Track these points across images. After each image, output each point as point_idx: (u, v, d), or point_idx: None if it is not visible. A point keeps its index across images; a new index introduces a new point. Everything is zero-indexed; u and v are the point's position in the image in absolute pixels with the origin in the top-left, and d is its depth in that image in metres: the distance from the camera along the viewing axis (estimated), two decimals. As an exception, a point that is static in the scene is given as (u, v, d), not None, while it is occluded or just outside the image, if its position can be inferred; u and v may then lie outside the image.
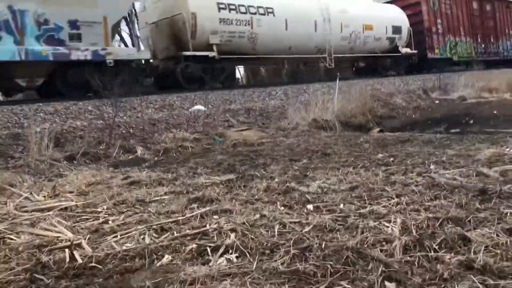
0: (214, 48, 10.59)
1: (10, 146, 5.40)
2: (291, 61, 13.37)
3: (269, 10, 11.96)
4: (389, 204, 2.27)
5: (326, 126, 7.49)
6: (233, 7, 11.15)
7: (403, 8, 16.75)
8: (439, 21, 17.86)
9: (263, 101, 8.39)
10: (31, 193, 3.57)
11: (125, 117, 6.67)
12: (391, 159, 3.78)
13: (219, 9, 10.88)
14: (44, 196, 3.61)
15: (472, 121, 7.43)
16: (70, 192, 3.69)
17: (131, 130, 6.32)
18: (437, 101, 10.13)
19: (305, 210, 2.28)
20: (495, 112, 7.68)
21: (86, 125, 6.17)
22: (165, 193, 3.21)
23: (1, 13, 7.54)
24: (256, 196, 2.68)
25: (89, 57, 8.35)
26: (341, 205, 2.33)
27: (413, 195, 2.39)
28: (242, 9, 11.38)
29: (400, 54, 16.11)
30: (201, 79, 9.99)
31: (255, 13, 11.60)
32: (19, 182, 4.41)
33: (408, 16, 16.54)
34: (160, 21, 10.76)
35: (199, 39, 10.43)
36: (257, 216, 2.18)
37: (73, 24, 8.28)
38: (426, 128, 7.74)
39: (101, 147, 5.78)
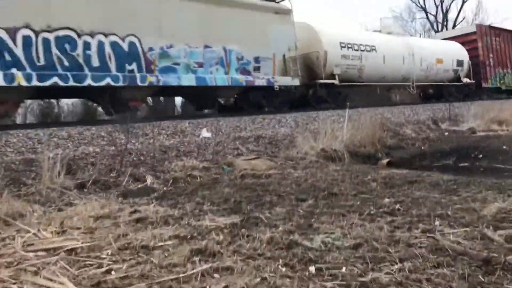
0: (336, 77, 14.29)
1: (24, 172, 5.49)
2: (382, 87, 17.12)
3: (373, 48, 15.80)
4: (392, 270, 2.27)
5: (334, 156, 7.50)
6: (349, 45, 15.01)
7: (463, 43, 20.20)
8: (491, 55, 21.04)
9: (273, 128, 8.44)
10: (38, 230, 3.63)
11: (137, 144, 6.75)
12: (397, 205, 3.78)
13: (341, 47, 14.68)
14: (52, 232, 3.66)
15: (481, 156, 7.39)
16: (78, 229, 3.73)
17: (142, 157, 6.40)
18: (446, 133, 10.10)
19: (307, 273, 2.29)
20: (504, 147, 7.64)
21: (98, 151, 6.26)
22: (170, 237, 3.23)
23: (219, 52, 10.97)
24: (259, 251, 2.69)
25: (265, 84, 11.92)
26: (343, 268, 2.33)
27: (416, 260, 2.39)
28: (355, 47, 15.23)
29: (462, 83, 19.56)
30: (326, 100, 13.93)
31: (363, 50, 15.45)
32: (29, 211, 4.50)
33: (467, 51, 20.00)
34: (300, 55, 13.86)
35: (327, 70, 14.14)
36: (258, 279, 2.20)
37: (256, 59, 11.84)
38: (435, 160, 7.71)
39: (111, 174, 5.85)
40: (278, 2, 13.02)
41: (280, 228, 3.19)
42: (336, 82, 14.18)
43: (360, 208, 3.79)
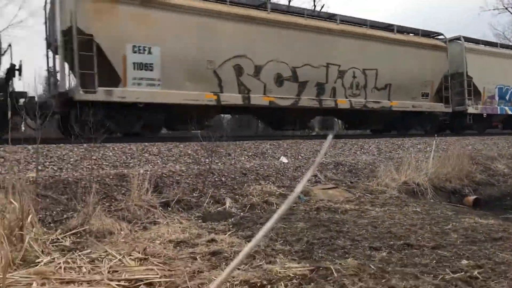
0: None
1: (116, 187, 5.97)
2: None
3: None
4: None
5: (417, 190, 7.27)
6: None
7: None
8: None
9: (354, 155, 8.35)
10: (123, 256, 3.97)
11: (219, 164, 7.03)
12: (476, 272, 3.62)
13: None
14: (135, 260, 3.99)
15: None
16: (158, 257, 4.02)
17: (222, 179, 6.66)
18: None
19: None
20: None
21: (184, 170, 6.62)
22: (241, 283, 3.39)
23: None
24: (324, 316, 2.74)
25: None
26: None
27: None
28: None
29: None
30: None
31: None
32: (117, 229, 4.92)
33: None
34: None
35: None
36: None
37: None
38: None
39: (194, 194, 6.18)
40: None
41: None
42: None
43: (435, 269, 3.68)
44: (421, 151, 8.53)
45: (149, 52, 9.17)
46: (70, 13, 8.65)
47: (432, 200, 7.00)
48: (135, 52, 9.01)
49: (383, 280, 3.42)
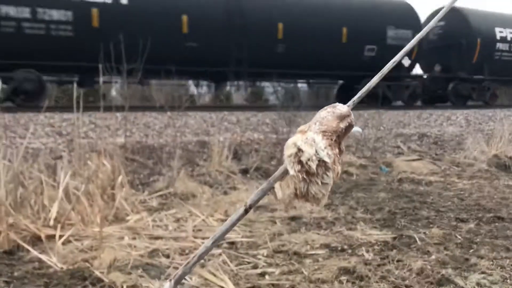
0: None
1: (198, 153, 6.18)
2: None
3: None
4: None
5: (509, 165, 6.78)
6: None
7: None
8: None
9: (440, 126, 7.94)
10: (207, 216, 4.11)
11: (297, 133, 7.01)
12: None
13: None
14: (217, 220, 4.12)
15: None
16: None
17: (301, 148, 6.64)
18: None
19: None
20: None
21: (262, 138, 6.69)
22: (321, 246, 3.38)
23: None
24: (407, 281, 2.67)
25: None
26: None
27: None
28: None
29: None
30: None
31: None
32: (200, 193, 5.09)
33: None
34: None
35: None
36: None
37: None
38: None
39: (272, 162, 6.23)
40: None
41: (433, 257, 3.09)
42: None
43: (529, 242, 3.44)
44: (515, 123, 7.91)
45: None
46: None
47: (526, 175, 6.50)
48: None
49: (471, 250, 3.25)
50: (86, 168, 4.36)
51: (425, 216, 4.19)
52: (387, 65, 0.60)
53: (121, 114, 5.93)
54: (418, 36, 0.60)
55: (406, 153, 6.81)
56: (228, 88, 14.52)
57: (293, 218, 4.15)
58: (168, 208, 4.47)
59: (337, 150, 0.61)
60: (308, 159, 0.57)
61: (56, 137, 6.30)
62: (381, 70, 0.61)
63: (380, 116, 7.69)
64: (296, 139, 0.59)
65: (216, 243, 0.60)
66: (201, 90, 18.60)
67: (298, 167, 0.57)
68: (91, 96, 13.48)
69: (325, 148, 0.58)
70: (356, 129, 7.58)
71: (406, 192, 5.09)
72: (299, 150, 0.58)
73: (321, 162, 0.57)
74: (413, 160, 6.47)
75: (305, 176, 0.57)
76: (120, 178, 4.57)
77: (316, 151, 0.57)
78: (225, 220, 3.44)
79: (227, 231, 0.61)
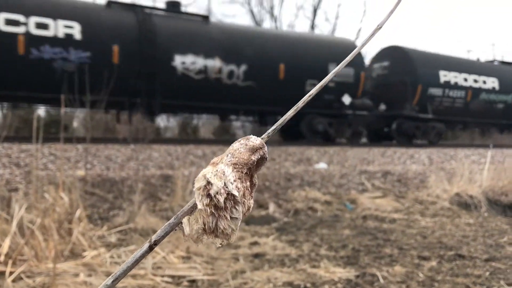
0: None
1: (161, 187, 6.05)
2: None
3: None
4: None
5: (470, 203, 6.92)
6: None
7: None
8: None
9: (404, 164, 8.08)
10: (167, 253, 3.97)
11: (264, 169, 6.99)
12: (536, 286, 3.37)
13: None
14: (178, 257, 3.98)
15: None
16: (201, 256, 4.00)
17: (266, 183, 6.61)
18: None
19: None
20: None
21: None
22: (284, 284, 3.30)
23: None
24: (370, 322, 2.61)
25: None
26: None
27: None
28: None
29: None
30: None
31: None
32: (162, 228, 4.93)
33: None
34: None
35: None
36: None
37: None
38: None
39: (237, 198, 6.16)
40: None
41: (396, 297, 3.05)
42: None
43: (488, 281, 3.46)
44: (475, 162, 8.14)
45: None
46: None
47: (486, 213, 6.65)
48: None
49: (433, 291, 3.24)
50: (43, 201, 4.18)
51: (388, 253, 4.17)
52: (303, 98, 0.60)
53: (82, 146, 5.77)
54: (331, 75, 0.60)
55: (371, 190, 6.86)
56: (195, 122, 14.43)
57: (256, 255, 4.06)
58: (127, 244, 4.30)
59: (248, 183, 0.57)
60: (217, 193, 0.53)
61: (13, 168, 6.06)
62: (296, 104, 0.61)
63: (345, 153, 7.77)
64: (206, 171, 0.56)
65: (117, 282, 0.54)
66: (167, 123, 18.50)
67: (207, 200, 0.53)
68: (54, 127, 13.18)
69: (234, 181, 0.54)
70: (321, 165, 7.63)
71: (370, 229, 5.08)
72: (208, 183, 0.54)
73: (230, 196, 0.53)
74: (377, 197, 6.52)
75: (213, 211, 0.53)
76: (78, 212, 4.40)
77: (225, 184, 0.53)
78: (187, 257, 3.32)
79: (128, 268, 0.55)
